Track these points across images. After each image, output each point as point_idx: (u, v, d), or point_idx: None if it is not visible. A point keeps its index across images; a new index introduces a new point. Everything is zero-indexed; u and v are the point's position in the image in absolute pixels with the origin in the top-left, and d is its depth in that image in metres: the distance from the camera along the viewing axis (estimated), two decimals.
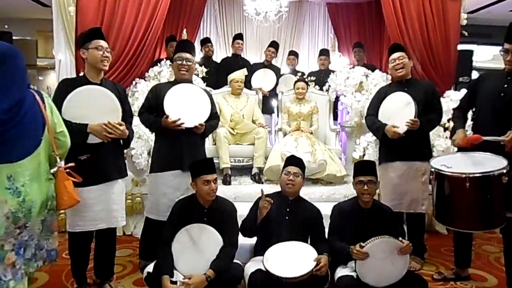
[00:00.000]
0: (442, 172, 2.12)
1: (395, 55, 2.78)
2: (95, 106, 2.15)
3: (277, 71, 5.00)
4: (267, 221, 2.42)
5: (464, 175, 2.03)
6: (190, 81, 2.68)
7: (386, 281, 2.20)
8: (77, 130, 2.10)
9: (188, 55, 2.58)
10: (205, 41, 5.19)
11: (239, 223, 2.47)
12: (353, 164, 2.65)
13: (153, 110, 2.59)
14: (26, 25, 7.55)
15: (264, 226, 2.44)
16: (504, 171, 2.01)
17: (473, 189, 2.01)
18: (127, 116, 2.41)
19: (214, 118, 2.70)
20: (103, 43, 2.26)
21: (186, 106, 2.49)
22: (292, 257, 2.24)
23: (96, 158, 2.19)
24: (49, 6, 4.67)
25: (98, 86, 2.19)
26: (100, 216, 2.24)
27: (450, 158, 2.25)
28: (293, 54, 5.25)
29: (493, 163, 2.09)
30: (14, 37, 7.21)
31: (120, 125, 2.18)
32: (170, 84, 2.66)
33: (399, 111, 2.65)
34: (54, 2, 4.04)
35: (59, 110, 2.11)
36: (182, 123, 2.45)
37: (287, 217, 2.46)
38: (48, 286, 2.46)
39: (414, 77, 2.91)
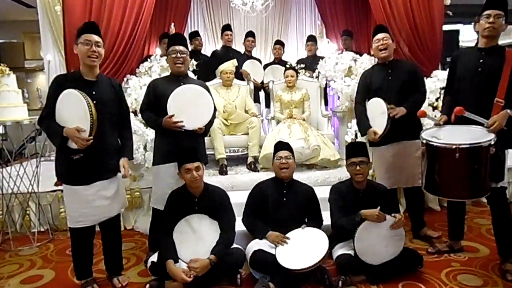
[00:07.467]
0: (433, 144, 2.19)
1: (379, 35, 2.83)
2: (73, 111, 2.11)
3: (259, 61, 5.05)
4: (266, 206, 2.52)
5: (454, 146, 2.09)
6: (186, 74, 2.71)
7: (380, 259, 2.35)
8: (55, 132, 2.13)
9: (181, 48, 2.58)
10: (194, 35, 5.17)
11: (240, 210, 2.53)
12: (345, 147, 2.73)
13: (153, 107, 2.60)
14: (11, 27, 7.46)
15: (263, 210, 2.53)
16: (492, 142, 2.09)
17: (463, 159, 2.08)
18: (124, 119, 2.41)
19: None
20: (93, 37, 2.19)
21: (189, 108, 2.50)
22: (303, 246, 2.32)
23: (89, 159, 2.19)
24: (34, 7, 4.64)
25: (75, 91, 2.10)
26: (99, 211, 2.29)
27: (439, 130, 2.31)
28: (279, 43, 5.22)
29: (480, 134, 2.16)
30: None
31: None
32: (167, 79, 2.67)
33: (377, 117, 2.75)
34: (39, 3, 4.02)
35: (53, 109, 2.14)
36: (182, 126, 2.48)
37: (284, 199, 2.56)
38: (55, 282, 2.51)
39: (397, 58, 2.98)
